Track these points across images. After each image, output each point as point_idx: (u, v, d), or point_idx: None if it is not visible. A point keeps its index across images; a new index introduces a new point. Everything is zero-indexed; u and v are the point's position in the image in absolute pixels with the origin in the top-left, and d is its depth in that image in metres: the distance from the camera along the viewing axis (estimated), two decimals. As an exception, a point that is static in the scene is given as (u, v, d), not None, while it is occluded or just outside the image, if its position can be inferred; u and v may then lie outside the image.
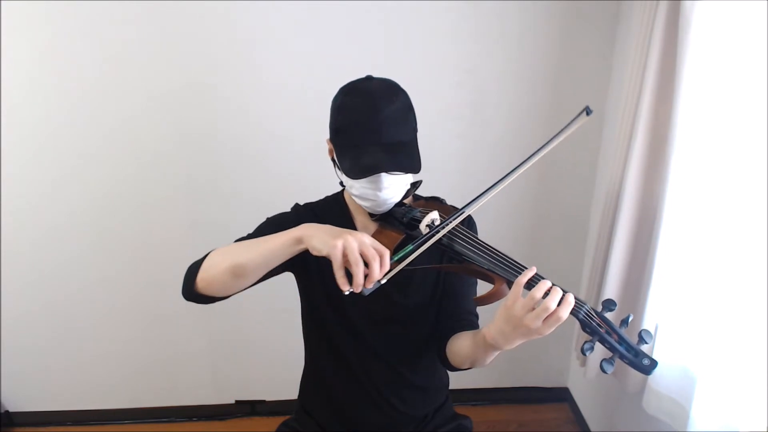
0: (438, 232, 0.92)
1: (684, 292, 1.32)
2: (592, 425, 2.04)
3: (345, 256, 0.83)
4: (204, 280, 0.97)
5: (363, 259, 0.83)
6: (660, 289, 1.34)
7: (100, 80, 1.69)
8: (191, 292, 0.99)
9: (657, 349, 1.38)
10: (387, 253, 0.85)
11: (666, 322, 1.37)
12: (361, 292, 0.83)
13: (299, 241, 0.89)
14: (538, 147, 0.98)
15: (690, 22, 1.14)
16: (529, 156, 0.98)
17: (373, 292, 0.84)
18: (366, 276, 0.83)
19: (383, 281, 0.84)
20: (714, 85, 1.17)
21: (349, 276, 0.84)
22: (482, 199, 0.97)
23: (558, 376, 2.25)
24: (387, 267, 0.84)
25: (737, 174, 1.16)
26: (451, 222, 0.94)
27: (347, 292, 0.83)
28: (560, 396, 2.27)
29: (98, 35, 1.64)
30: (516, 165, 0.97)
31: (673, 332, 1.35)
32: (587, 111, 0.99)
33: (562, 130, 0.97)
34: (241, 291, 0.99)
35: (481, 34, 1.70)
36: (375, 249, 0.84)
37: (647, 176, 1.38)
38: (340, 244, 0.82)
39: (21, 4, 1.59)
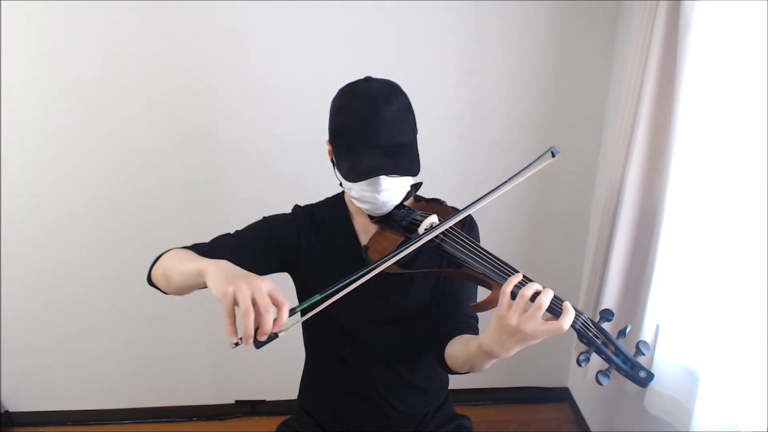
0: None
1: (685, 292, 1.32)
2: (592, 425, 2.04)
3: (237, 303, 0.76)
4: (154, 275, 1.02)
5: (256, 309, 0.76)
6: (661, 288, 1.34)
7: (100, 80, 1.69)
8: (149, 281, 1.04)
9: (659, 349, 1.38)
10: (285, 306, 0.78)
11: (667, 321, 1.37)
12: (252, 344, 0.76)
13: (201, 274, 0.85)
14: (507, 178, 0.96)
15: (690, 22, 1.14)
16: (491, 189, 0.95)
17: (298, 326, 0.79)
18: (258, 328, 0.76)
19: (281, 334, 0.78)
20: (714, 85, 1.17)
21: None
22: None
23: (558, 376, 2.25)
24: (283, 321, 0.77)
25: (738, 174, 1.16)
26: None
27: (233, 345, 0.76)
28: (560, 396, 2.26)
29: (98, 35, 1.64)
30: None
31: (675, 332, 1.35)
32: (552, 153, 0.96)
33: (524, 170, 0.95)
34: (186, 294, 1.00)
35: (481, 34, 1.70)
36: (272, 299, 0.77)
37: (647, 176, 1.38)
38: (230, 290, 0.75)
39: (21, 4, 1.59)
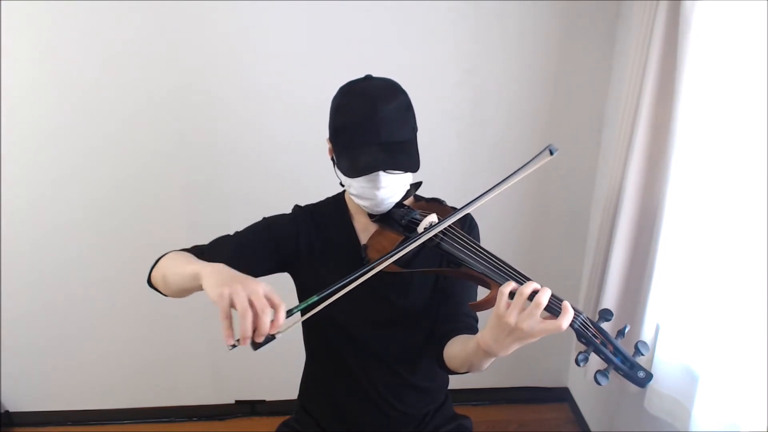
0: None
1: (685, 292, 1.32)
2: (592, 425, 2.04)
3: (234, 305, 0.76)
4: (154, 277, 1.03)
5: (253, 310, 0.76)
6: (661, 288, 1.34)
7: (100, 80, 1.69)
8: (149, 283, 1.05)
9: (658, 349, 1.38)
10: (282, 307, 0.78)
11: (667, 321, 1.37)
12: (250, 344, 0.77)
13: (196, 277, 0.85)
14: (503, 177, 0.94)
15: (690, 22, 1.14)
16: (489, 188, 0.94)
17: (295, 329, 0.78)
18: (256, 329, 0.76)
19: (278, 335, 0.78)
20: (714, 85, 1.17)
21: None
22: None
23: (558, 376, 2.25)
24: (280, 322, 0.77)
25: (737, 174, 1.16)
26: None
27: (230, 347, 0.76)
28: (560, 396, 2.27)
29: (98, 35, 1.64)
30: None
31: (675, 332, 1.35)
32: (550, 151, 0.95)
33: (522, 168, 0.94)
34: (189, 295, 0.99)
35: (481, 34, 1.70)
36: (269, 301, 0.77)
37: (647, 176, 1.38)
38: (226, 292, 0.75)
39: (21, 4, 1.59)
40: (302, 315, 0.85)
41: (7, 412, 2.17)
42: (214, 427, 2.20)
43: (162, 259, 1.02)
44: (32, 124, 1.74)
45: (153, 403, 2.19)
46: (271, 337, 0.78)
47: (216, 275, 0.82)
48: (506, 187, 0.93)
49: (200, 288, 0.87)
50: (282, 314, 0.78)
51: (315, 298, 0.85)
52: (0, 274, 1.93)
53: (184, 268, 0.90)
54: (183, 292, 0.95)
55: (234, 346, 0.76)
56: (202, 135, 1.79)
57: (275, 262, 1.10)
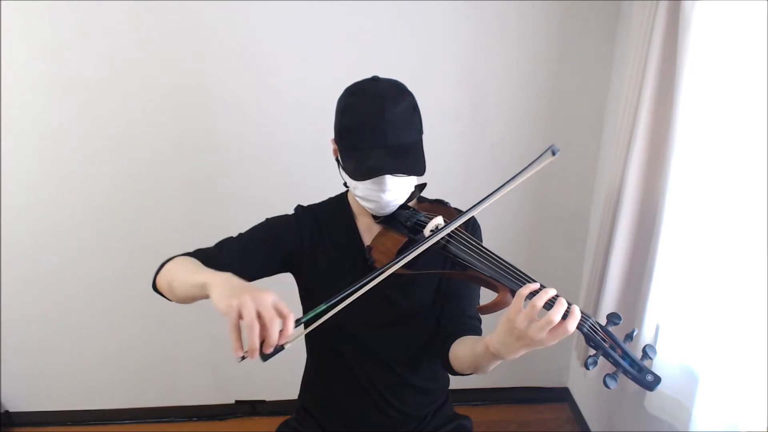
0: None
1: (685, 292, 1.32)
2: (592, 425, 2.04)
3: (242, 317, 0.75)
4: (159, 283, 1.02)
5: (261, 322, 0.75)
6: (661, 288, 1.34)
7: (100, 81, 1.69)
8: (154, 287, 1.04)
9: (658, 349, 1.38)
10: (290, 317, 0.77)
11: (667, 321, 1.37)
12: (258, 357, 0.76)
13: (204, 287, 0.85)
14: (507, 179, 0.94)
15: (690, 22, 1.14)
16: (495, 189, 0.93)
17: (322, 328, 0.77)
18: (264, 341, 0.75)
19: (287, 346, 0.77)
20: (714, 85, 1.17)
21: None
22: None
23: (558, 376, 2.25)
24: (289, 332, 0.76)
25: (737, 174, 1.16)
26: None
27: (239, 359, 0.75)
28: (560, 396, 2.27)
29: (98, 35, 1.64)
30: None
31: (675, 332, 1.35)
32: (552, 151, 0.94)
33: (524, 169, 0.93)
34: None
35: (481, 34, 1.70)
36: (277, 311, 0.76)
37: (647, 176, 1.38)
38: (235, 304, 0.74)
39: (21, 4, 1.59)
40: (309, 325, 0.84)
41: (7, 412, 2.17)
42: (214, 427, 2.20)
43: (167, 264, 1.01)
44: (32, 123, 1.74)
45: (153, 403, 2.19)
46: (280, 348, 0.77)
47: (223, 286, 0.81)
48: (510, 188, 0.93)
49: (207, 297, 0.86)
50: (291, 324, 0.77)
51: (323, 307, 0.84)
52: (0, 274, 1.93)
53: (191, 276, 0.90)
54: (189, 299, 0.94)
55: (243, 358, 0.75)
56: (202, 135, 1.79)
57: (279, 263, 1.10)
